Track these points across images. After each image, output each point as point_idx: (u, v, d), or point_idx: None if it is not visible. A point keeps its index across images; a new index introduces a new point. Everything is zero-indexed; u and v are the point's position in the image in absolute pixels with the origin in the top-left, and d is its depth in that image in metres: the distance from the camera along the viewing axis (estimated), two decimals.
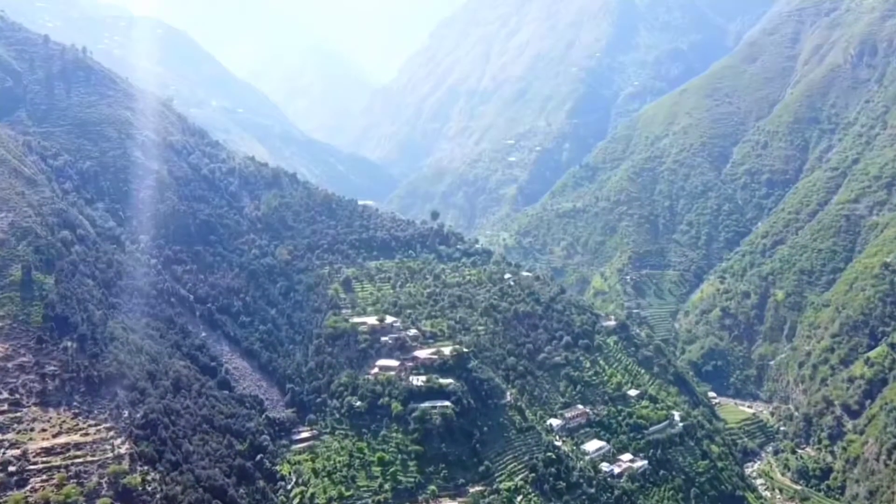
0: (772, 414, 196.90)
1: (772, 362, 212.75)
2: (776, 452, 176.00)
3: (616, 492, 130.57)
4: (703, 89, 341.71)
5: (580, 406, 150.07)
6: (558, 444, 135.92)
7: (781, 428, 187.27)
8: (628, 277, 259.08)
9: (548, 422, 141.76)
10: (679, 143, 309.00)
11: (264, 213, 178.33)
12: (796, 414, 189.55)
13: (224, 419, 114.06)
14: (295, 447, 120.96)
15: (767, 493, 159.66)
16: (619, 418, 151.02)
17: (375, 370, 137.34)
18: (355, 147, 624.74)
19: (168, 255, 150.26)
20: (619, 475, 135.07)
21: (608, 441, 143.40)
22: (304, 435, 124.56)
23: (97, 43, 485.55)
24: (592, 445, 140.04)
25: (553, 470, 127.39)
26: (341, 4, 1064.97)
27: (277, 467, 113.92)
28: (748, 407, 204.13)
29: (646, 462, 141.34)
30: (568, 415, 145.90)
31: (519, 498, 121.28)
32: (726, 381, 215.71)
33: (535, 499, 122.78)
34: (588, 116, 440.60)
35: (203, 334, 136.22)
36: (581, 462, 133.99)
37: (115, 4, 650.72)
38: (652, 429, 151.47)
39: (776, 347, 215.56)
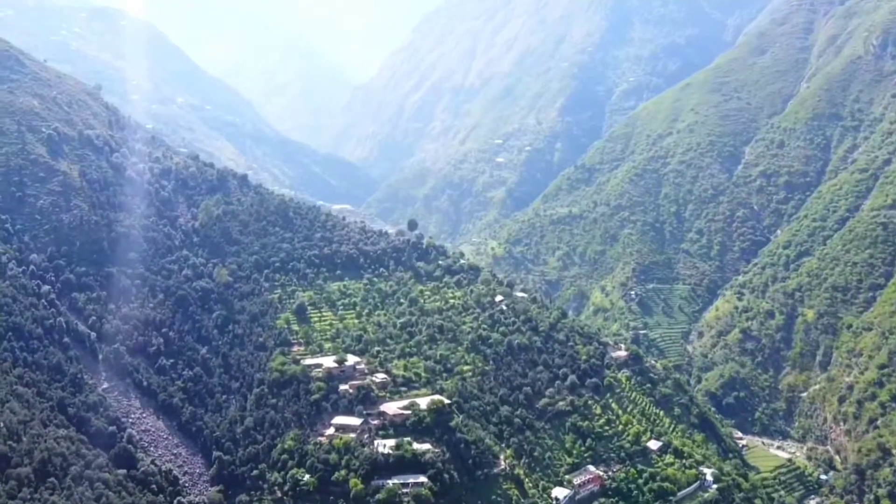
0: (808, 458, 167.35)
1: (804, 394, 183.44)
2: None
3: None
4: (707, 84, 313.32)
5: (591, 468, 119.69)
6: None
7: (822, 477, 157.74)
8: (633, 293, 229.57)
9: (553, 493, 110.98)
10: (685, 141, 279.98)
11: (203, 224, 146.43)
12: (839, 460, 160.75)
13: None
14: None
15: None
16: (640, 482, 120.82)
17: (330, 430, 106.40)
18: (334, 147, 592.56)
19: (68, 280, 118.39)
20: None
21: None
22: None
23: (52, 34, 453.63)
24: None
25: None
26: (320, 0, 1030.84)
27: None
28: (779, 448, 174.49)
29: None
30: (577, 481, 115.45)
31: None
32: (751, 415, 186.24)
33: None
34: (581, 114, 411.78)
35: (105, 386, 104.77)
36: None
37: None
38: (681, 494, 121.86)
39: (808, 377, 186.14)
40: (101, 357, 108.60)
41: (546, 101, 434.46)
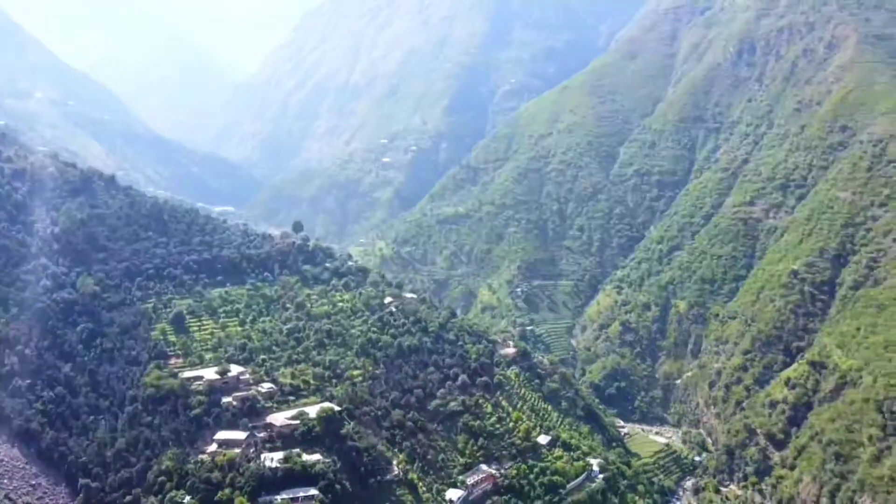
0: (684, 442, 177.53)
1: (678, 381, 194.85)
2: (696, 491, 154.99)
3: None
4: (584, 86, 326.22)
5: (484, 467, 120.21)
6: None
7: (696, 459, 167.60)
8: (519, 290, 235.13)
9: (447, 495, 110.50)
10: (565, 142, 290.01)
11: (64, 230, 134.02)
12: (711, 442, 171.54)
13: None
14: None
15: None
16: (532, 477, 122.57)
17: (213, 447, 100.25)
18: (215, 147, 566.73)
19: None
20: None
21: None
22: None
23: None
24: None
25: None
26: None
27: None
28: (657, 433, 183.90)
29: None
30: (471, 481, 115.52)
31: None
32: (631, 404, 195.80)
33: None
34: (465, 115, 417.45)
35: None
36: None
37: None
38: (570, 486, 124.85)
39: (682, 365, 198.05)
40: None
41: (431, 101, 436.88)
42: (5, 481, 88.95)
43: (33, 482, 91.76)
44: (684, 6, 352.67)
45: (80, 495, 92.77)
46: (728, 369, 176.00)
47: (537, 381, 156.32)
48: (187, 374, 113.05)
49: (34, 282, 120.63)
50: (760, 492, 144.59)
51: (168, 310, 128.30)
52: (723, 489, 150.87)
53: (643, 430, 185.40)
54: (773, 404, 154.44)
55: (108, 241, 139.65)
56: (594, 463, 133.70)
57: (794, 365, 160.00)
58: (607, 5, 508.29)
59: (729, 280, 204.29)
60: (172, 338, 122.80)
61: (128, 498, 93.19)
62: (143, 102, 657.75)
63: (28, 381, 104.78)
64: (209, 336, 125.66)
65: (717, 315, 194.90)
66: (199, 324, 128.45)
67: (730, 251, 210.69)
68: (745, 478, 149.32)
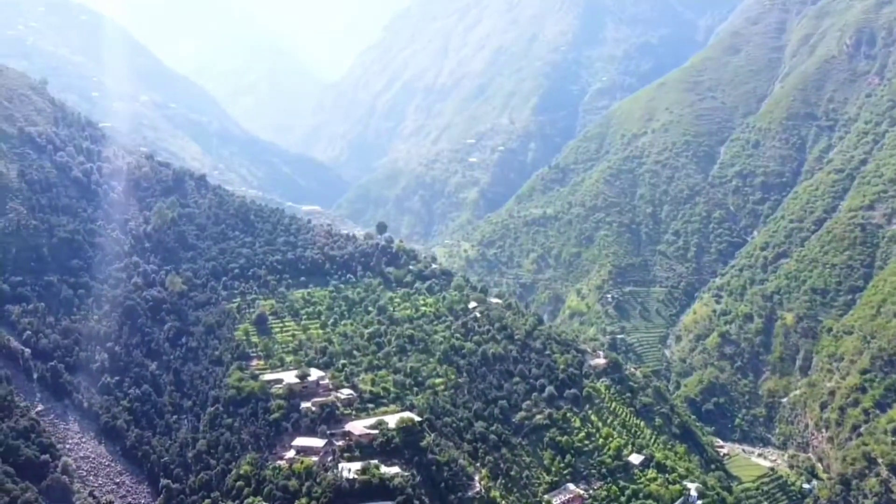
0: (790, 466, 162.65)
1: (784, 400, 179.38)
2: None
3: None
4: (682, 83, 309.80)
5: (571, 486, 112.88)
6: None
7: (806, 486, 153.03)
8: (609, 296, 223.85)
9: None
10: (660, 141, 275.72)
11: (156, 228, 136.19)
12: (822, 469, 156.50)
13: None
14: None
15: None
16: (623, 499, 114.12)
17: (291, 453, 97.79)
18: (304, 147, 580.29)
19: (0, 291, 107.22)
20: None
21: None
22: None
23: (7, 29, 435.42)
24: None
25: None
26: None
27: None
28: (760, 455, 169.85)
29: None
30: (557, 500, 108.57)
31: None
32: (731, 422, 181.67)
33: None
34: (555, 114, 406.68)
35: (39, 408, 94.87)
36: None
37: None
38: None
39: (788, 382, 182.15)
40: (35, 376, 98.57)
41: (519, 100, 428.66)
42: (91, 478, 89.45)
43: (117, 480, 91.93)
44: None
45: (161, 496, 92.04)
46: (843, 389, 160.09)
47: (629, 394, 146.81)
48: (268, 376, 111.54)
49: (126, 279, 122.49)
50: None
51: (252, 310, 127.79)
52: None
53: (744, 451, 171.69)
54: None
55: (196, 239, 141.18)
56: (692, 487, 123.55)
57: None
58: None
59: (844, 291, 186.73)
60: (255, 338, 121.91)
61: (206, 501, 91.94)
62: (238, 104, 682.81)
63: (116, 378, 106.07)
64: (290, 338, 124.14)
65: (831, 329, 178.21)
66: (281, 325, 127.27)
67: (845, 259, 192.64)
68: None
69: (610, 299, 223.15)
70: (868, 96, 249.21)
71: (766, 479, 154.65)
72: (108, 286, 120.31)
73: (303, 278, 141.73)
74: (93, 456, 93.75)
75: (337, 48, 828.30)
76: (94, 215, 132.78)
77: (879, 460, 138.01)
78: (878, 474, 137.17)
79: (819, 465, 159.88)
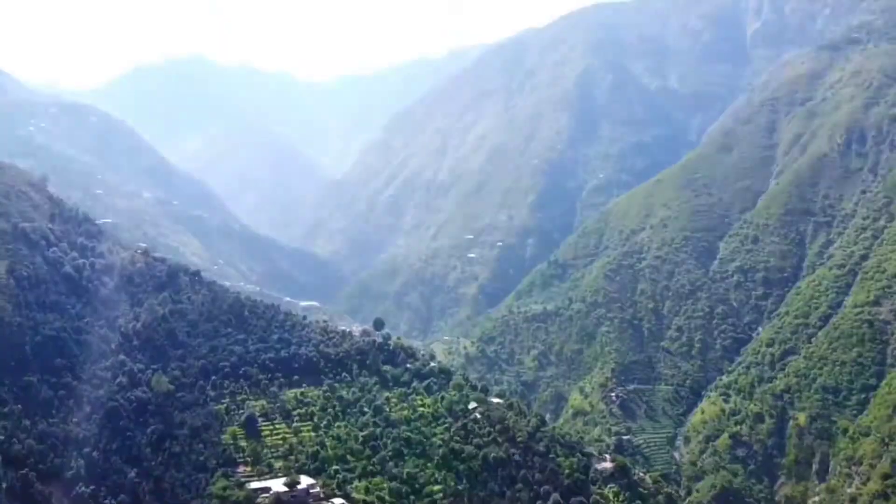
0: None
1: None
2: None
3: None
4: (678, 179, 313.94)
5: None
6: None
7: None
8: (613, 394, 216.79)
9: None
10: (659, 237, 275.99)
11: (145, 325, 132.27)
12: None
13: None
14: None
15: None
16: None
17: None
18: (305, 242, 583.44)
19: None
20: None
21: None
22: None
23: (18, 129, 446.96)
24: None
25: None
26: (296, 100, 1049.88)
27: None
28: None
29: None
30: None
31: None
32: None
33: None
34: (552, 210, 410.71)
35: None
36: None
37: (48, 92, 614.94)
38: None
39: (806, 487, 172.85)
40: (4, 486, 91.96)
41: (517, 196, 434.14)
42: None
43: None
44: (781, 98, 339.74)
45: None
46: (865, 496, 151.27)
47: (639, 501, 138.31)
48: (255, 484, 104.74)
49: (110, 379, 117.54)
50: None
51: (241, 411, 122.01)
52: None
53: None
54: None
55: (187, 336, 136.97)
56: None
57: None
58: (697, 100, 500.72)
59: (857, 390, 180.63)
60: (243, 442, 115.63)
61: None
62: (241, 200, 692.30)
63: (92, 487, 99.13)
64: (280, 441, 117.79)
65: (847, 431, 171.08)
66: (271, 427, 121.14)
67: (855, 357, 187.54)
68: None
69: (614, 398, 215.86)
70: (863, 192, 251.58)
71: None
72: (92, 386, 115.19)
73: (296, 377, 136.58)
74: None
75: (340, 147, 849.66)
76: (82, 312, 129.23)
77: None
78: None
79: None
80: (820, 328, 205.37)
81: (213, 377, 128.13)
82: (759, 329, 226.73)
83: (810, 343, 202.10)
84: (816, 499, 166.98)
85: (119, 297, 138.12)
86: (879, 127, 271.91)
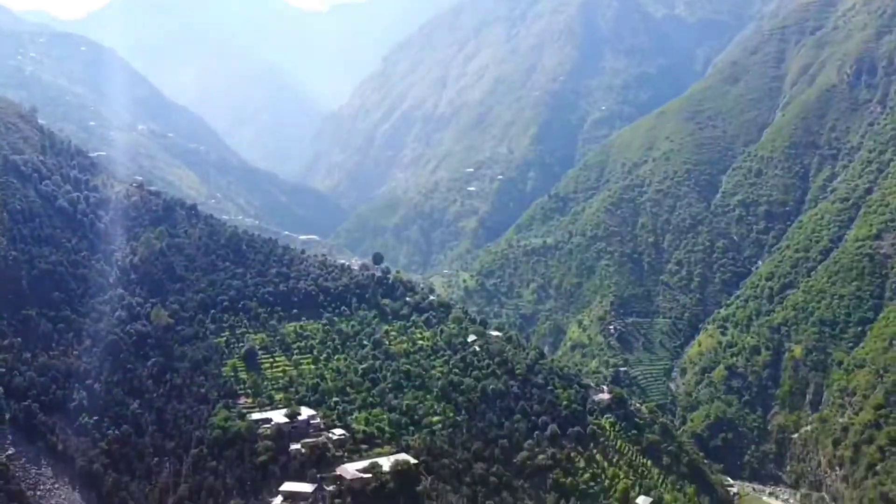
0: None
1: (795, 436, 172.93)
2: None
3: None
4: (682, 112, 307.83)
5: None
6: None
7: None
8: (612, 327, 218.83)
9: None
10: (661, 170, 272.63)
11: (143, 260, 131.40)
12: None
13: None
14: None
15: None
16: None
17: (278, 499, 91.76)
18: (302, 177, 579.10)
19: None
20: None
21: None
22: None
23: (8, 59, 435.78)
24: None
25: None
26: (290, 30, 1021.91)
27: None
28: (771, 494, 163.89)
29: None
30: None
31: None
32: (739, 458, 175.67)
33: None
34: (554, 143, 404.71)
35: (10, 451, 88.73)
36: None
37: (36, 21, 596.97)
38: None
39: (799, 417, 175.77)
40: (7, 416, 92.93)
41: (518, 129, 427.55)
42: None
43: None
44: (791, 26, 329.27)
45: None
46: (857, 426, 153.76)
47: (635, 431, 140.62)
48: (255, 415, 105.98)
49: (109, 313, 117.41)
50: None
51: (241, 344, 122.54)
52: None
53: (755, 489, 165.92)
54: None
55: (185, 271, 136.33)
56: None
57: None
58: (704, 29, 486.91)
59: (854, 323, 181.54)
60: (243, 375, 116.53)
61: None
62: (237, 134, 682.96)
63: (95, 418, 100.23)
64: (280, 374, 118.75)
65: (842, 363, 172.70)
66: (271, 360, 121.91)
67: (854, 290, 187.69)
68: None
69: (612, 331, 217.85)
70: (871, 125, 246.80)
71: None
72: (91, 320, 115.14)
73: (295, 311, 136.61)
74: (67, 503, 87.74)
75: (337, 79, 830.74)
76: (78, 246, 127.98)
77: None
78: None
79: None
80: (820, 262, 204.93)
81: (213, 311, 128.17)
82: (759, 263, 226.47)
83: (809, 277, 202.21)
84: (808, 427, 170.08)
85: (115, 232, 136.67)
86: (891, 57, 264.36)
